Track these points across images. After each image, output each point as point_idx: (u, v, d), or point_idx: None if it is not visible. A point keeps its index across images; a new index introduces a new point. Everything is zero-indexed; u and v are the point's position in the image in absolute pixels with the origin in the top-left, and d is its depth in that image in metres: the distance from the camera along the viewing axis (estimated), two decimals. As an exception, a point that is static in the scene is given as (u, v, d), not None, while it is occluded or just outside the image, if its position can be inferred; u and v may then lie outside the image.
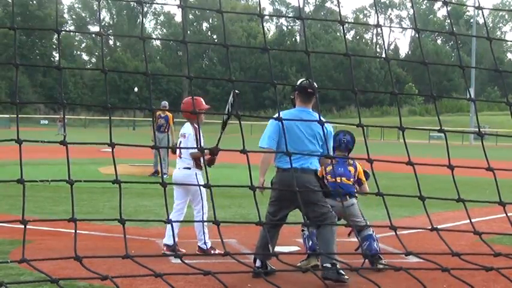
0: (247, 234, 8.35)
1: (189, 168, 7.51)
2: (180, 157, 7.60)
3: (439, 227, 2.67)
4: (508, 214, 2.94)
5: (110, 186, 2.60)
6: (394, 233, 2.62)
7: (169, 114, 17.14)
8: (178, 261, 2.38)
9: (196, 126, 7.58)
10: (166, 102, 19.33)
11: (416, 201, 2.79)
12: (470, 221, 2.87)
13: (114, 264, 6.31)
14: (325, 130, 5.97)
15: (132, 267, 2.61)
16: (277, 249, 7.09)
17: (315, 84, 6.06)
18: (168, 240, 7.40)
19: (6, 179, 2.60)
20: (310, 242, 7.03)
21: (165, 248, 7.44)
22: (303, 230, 7.19)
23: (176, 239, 6.71)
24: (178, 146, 7.82)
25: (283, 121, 5.58)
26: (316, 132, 6.29)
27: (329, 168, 7.33)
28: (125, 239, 2.43)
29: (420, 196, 2.67)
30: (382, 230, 8.67)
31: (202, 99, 7.99)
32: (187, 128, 7.74)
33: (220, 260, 6.85)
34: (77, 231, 2.48)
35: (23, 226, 2.28)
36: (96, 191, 12.57)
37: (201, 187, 7.27)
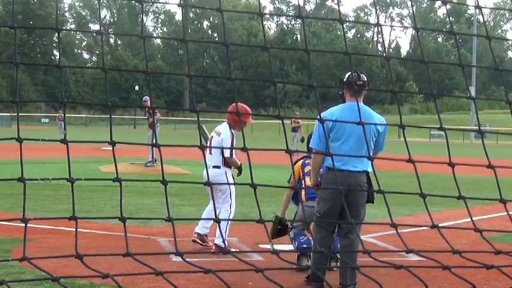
0: (248, 233, 8.37)
1: (219, 167, 7.51)
2: (211, 153, 7.56)
3: (439, 225, 2.66)
4: (509, 212, 2.94)
5: (111, 184, 2.61)
6: (394, 231, 2.62)
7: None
8: (179, 259, 2.38)
9: (234, 133, 7.62)
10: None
11: (416, 200, 2.79)
12: (471, 218, 2.86)
13: (115, 263, 6.31)
14: (379, 128, 5.60)
15: (133, 266, 2.61)
16: (278, 247, 7.10)
17: (363, 76, 5.79)
18: (218, 239, 7.36)
19: (7, 177, 2.61)
20: (297, 243, 6.87)
21: (214, 247, 7.40)
22: (291, 228, 7.00)
23: (226, 236, 7.04)
24: (210, 140, 7.73)
25: (324, 120, 5.28)
26: (371, 129, 5.64)
27: (308, 168, 6.75)
28: (126, 237, 2.43)
29: (421, 193, 2.66)
30: (383, 228, 8.69)
31: (249, 110, 8.06)
32: (224, 129, 7.67)
33: (221, 258, 6.89)
34: (78, 230, 2.48)
35: (23, 224, 2.28)
36: (96, 190, 12.57)
37: (231, 185, 7.42)
